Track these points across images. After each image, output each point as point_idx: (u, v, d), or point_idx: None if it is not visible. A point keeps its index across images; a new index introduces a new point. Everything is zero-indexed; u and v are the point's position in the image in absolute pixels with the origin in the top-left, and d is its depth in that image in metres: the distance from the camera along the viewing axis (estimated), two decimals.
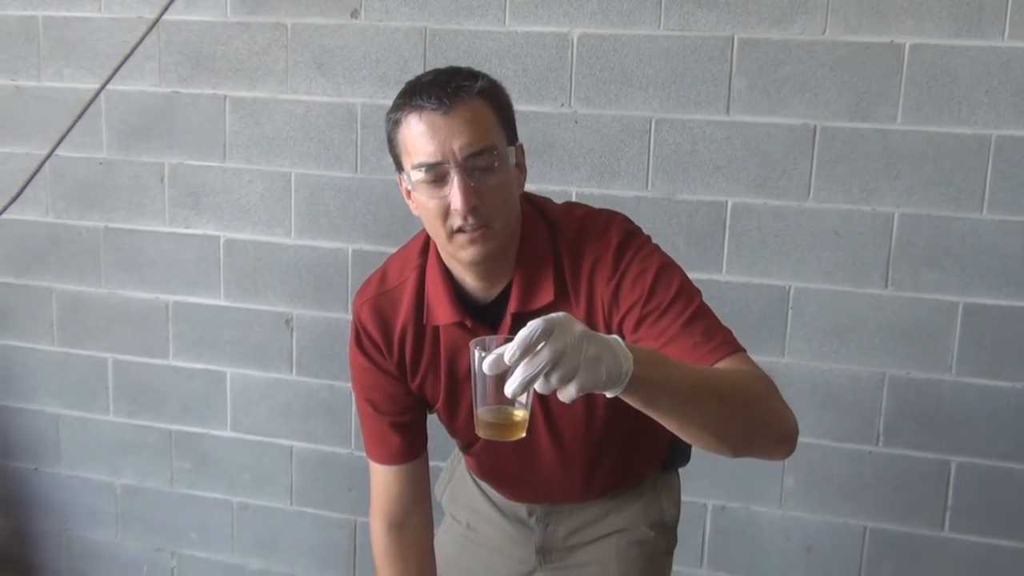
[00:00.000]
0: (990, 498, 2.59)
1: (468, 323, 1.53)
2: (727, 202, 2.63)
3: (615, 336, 1.16)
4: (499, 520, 1.83)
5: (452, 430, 1.72)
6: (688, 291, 1.46)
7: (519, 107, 2.66)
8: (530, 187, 2.72)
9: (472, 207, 1.39)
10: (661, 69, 2.61)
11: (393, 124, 1.46)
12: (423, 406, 1.68)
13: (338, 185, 2.89)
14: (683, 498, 1.96)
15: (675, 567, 2.74)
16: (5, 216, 3.13)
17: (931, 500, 2.63)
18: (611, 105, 2.66)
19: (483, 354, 1.15)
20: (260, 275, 3.03)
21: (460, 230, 1.41)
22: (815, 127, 2.54)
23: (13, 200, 3.07)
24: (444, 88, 1.39)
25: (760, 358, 2.61)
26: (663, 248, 2.59)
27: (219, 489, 3.23)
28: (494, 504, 1.84)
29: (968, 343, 2.54)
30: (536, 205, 1.59)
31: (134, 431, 3.27)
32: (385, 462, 1.71)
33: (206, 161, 3.02)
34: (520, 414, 1.23)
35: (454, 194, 1.38)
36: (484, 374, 1.14)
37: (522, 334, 1.07)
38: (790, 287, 2.63)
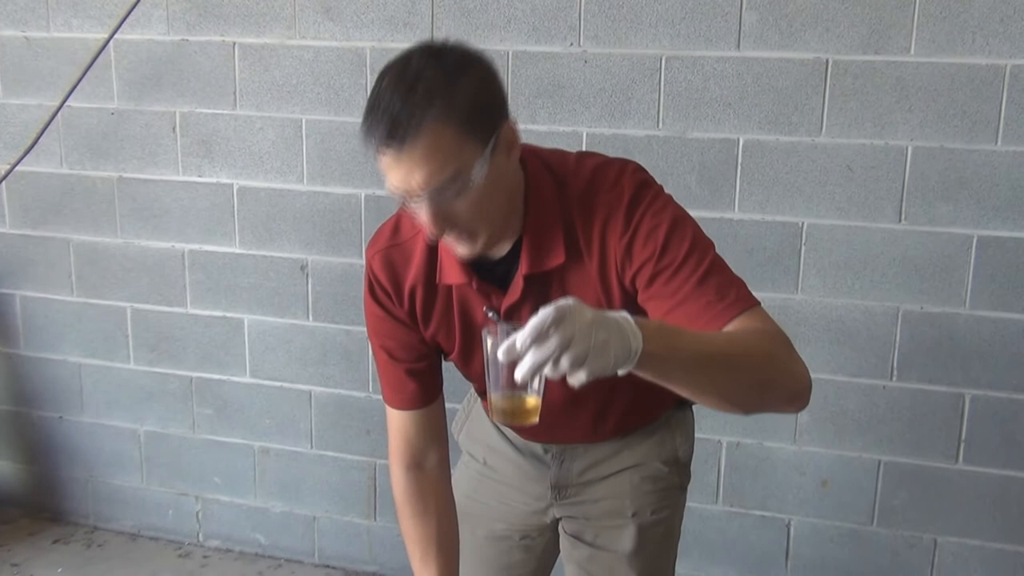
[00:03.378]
0: (1004, 430, 2.60)
1: (474, 284, 1.53)
2: (739, 139, 2.61)
3: (624, 314, 1.17)
4: (515, 457, 1.85)
5: (467, 376, 1.73)
6: (701, 245, 1.44)
7: (528, 48, 2.67)
8: (540, 129, 2.73)
9: (443, 231, 1.38)
10: (671, 5, 2.58)
11: (365, 144, 1.40)
12: (438, 353, 1.69)
13: (349, 131, 2.89)
14: (698, 435, 1.97)
15: (691, 503, 2.77)
16: (20, 168, 3.15)
17: (945, 433, 2.65)
18: (621, 43, 2.63)
19: (495, 340, 1.17)
20: (274, 222, 3.05)
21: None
22: (827, 61, 2.51)
23: (27, 151, 3.09)
24: (395, 122, 1.29)
25: (774, 295, 2.64)
26: (676, 187, 2.58)
27: (240, 434, 3.27)
28: (510, 441, 1.86)
29: (982, 276, 2.53)
30: (544, 160, 1.53)
31: (155, 379, 3.32)
32: (401, 407, 1.72)
33: (217, 109, 3.02)
34: (533, 400, 1.25)
35: (424, 220, 1.37)
36: (497, 360, 1.15)
37: (533, 322, 1.09)
38: (803, 223, 2.62)
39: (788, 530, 2.82)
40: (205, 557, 3.35)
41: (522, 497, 1.84)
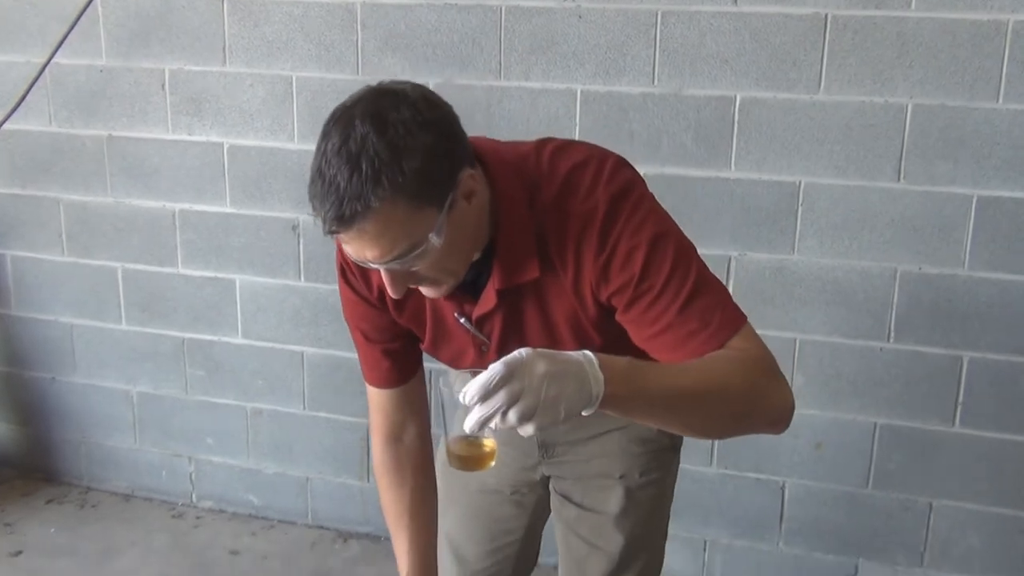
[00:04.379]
0: (1002, 393, 2.58)
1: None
2: (736, 96, 2.56)
3: (588, 355, 1.16)
4: None
5: (438, 361, 1.70)
6: (683, 263, 1.37)
7: (522, 3, 2.62)
8: (533, 86, 2.69)
9: (405, 288, 1.36)
10: None
11: None
12: (413, 335, 1.67)
13: (340, 88, 2.84)
14: None
15: (685, 465, 2.75)
16: (8, 126, 3.11)
17: (942, 396, 2.62)
18: None
19: (448, 391, 1.20)
20: (265, 181, 3.01)
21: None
22: (826, 16, 2.46)
23: (15, 108, 3.04)
24: (341, 203, 1.21)
25: (770, 255, 2.61)
26: (672, 145, 2.54)
27: (233, 395, 3.26)
28: None
29: (982, 236, 2.49)
30: (513, 167, 1.44)
31: (147, 339, 3.29)
32: (379, 385, 1.72)
33: (206, 66, 2.97)
34: (489, 444, 1.28)
35: (386, 283, 1.34)
36: (451, 406, 1.19)
37: (481, 378, 1.11)
38: (800, 183, 2.58)
39: (782, 492, 2.80)
40: (198, 518, 3.35)
41: (512, 453, 1.82)
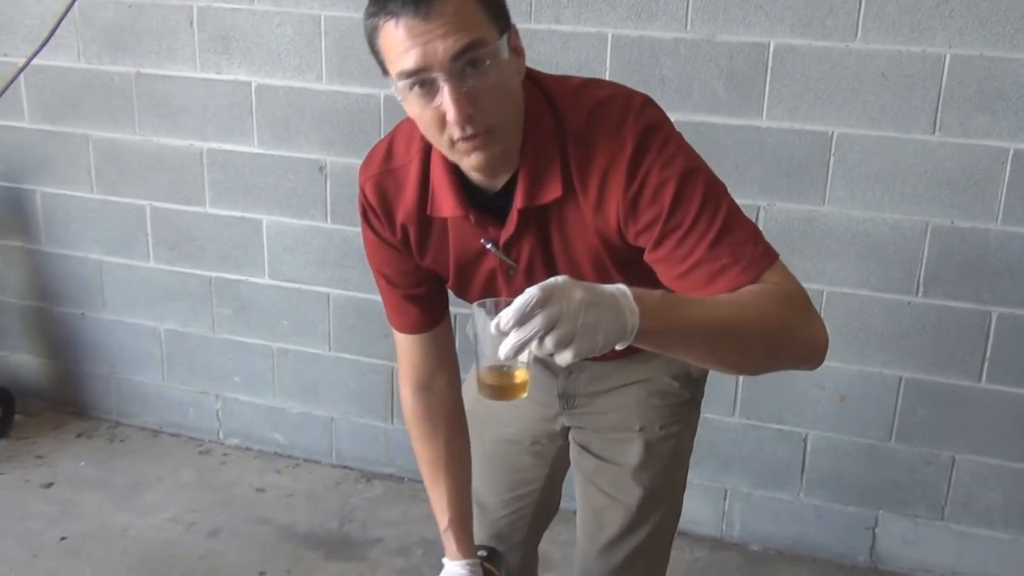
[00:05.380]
0: None
1: (472, 217, 1.47)
2: (769, 43, 2.52)
3: (622, 287, 1.13)
4: None
5: (465, 301, 1.69)
6: (714, 199, 1.35)
7: None
8: (564, 29, 2.65)
9: (468, 115, 1.28)
10: None
11: (371, 30, 1.32)
12: (437, 278, 1.65)
13: None
14: None
15: (708, 415, 2.76)
16: (37, 62, 3.10)
17: (969, 351, 2.60)
18: None
19: (484, 316, 1.16)
20: (292, 121, 3.00)
21: (460, 139, 1.31)
22: None
23: (43, 44, 3.02)
24: None
25: (800, 206, 2.58)
26: (703, 92, 2.50)
27: (259, 335, 3.28)
28: None
29: (1017, 191, 2.45)
30: (541, 87, 1.44)
31: (175, 277, 3.32)
32: (405, 331, 1.70)
33: (234, 3, 2.95)
34: (521, 374, 1.23)
35: (447, 103, 1.27)
36: (486, 334, 1.14)
37: (518, 301, 1.07)
38: (833, 133, 2.54)
39: (805, 444, 2.80)
40: (225, 455, 3.40)
41: (531, 404, 1.82)
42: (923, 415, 2.68)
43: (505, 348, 1.09)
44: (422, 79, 1.27)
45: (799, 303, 1.32)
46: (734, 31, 2.53)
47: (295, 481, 3.25)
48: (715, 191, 1.37)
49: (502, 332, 1.09)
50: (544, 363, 1.79)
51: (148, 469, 3.29)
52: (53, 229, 3.41)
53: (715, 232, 1.33)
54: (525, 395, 1.25)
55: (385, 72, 1.34)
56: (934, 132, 2.47)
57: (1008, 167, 2.44)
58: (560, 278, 1.10)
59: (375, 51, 1.34)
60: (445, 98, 1.27)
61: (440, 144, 1.36)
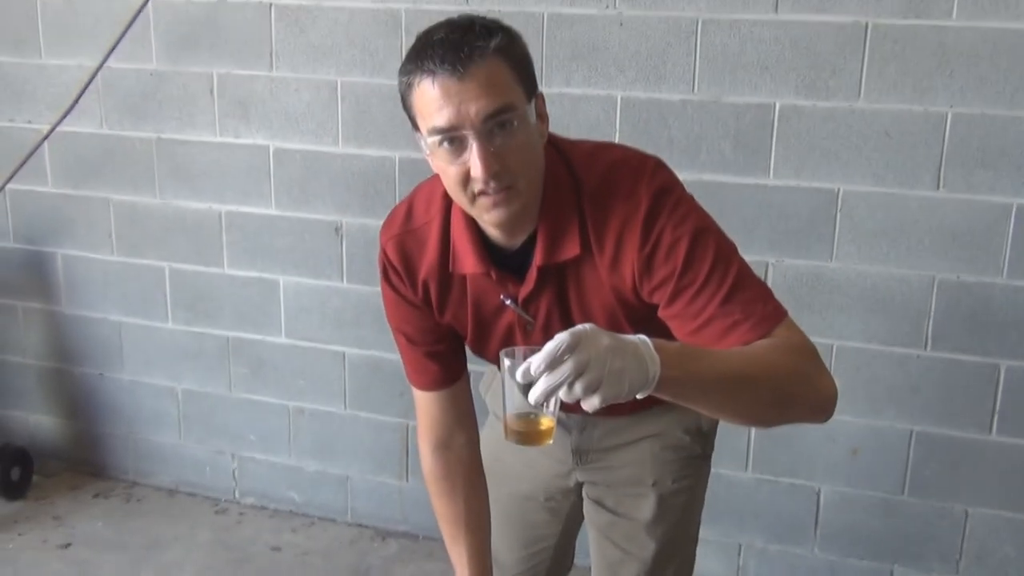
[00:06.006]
0: None
1: (493, 274, 1.52)
2: (775, 104, 2.58)
3: (643, 338, 1.17)
4: None
5: (484, 359, 1.73)
6: (725, 257, 1.41)
7: (563, 10, 2.65)
8: (574, 92, 2.72)
9: (494, 172, 1.34)
10: None
11: (406, 86, 1.38)
12: (456, 335, 1.70)
13: (384, 93, 2.89)
14: None
15: (720, 470, 2.77)
16: (61, 128, 3.19)
17: (979, 404, 2.62)
18: (657, 6, 2.61)
19: (512, 362, 1.18)
20: (309, 184, 3.07)
21: (482, 193, 1.37)
22: (867, 24, 2.47)
23: (68, 112, 3.12)
24: (457, 50, 1.30)
25: (808, 262, 2.63)
26: (711, 152, 2.56)
27: (275, 394, 3.32)
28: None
29: (1021, 245, 2.49)
30: (560, 150, 1.51)
31: (193, 338, 3.36)
32: (425, 388, 1.73)
33: (253, 71, 3.03)
34: (547, 422, 1.25)
35: (473, 160, 1.33)
36: (512, 381, 1.17)
37: (548, 346, 1.10)
38: (839, 190, 2.59)
39: (818, 498, 2.81)
40: (241, 514, 3.41)
41: (546, 460, 1.85)
42: (935, 468, 2.69)
43: (536, 393, 1.12)
44: (452, 136, 1.33)
45: (809, 356, 1.36)
46: (740, 93, 2.60)
47: (310, 540, 3.26)
48: (726, 250, 1.42)
49: (532, 377, 1.11)
50: (558, 420, 1.82)
51: (165, 529, 3.31)
52: (73, 291, 3.47)
53: (727, 289, 1.38)
54: (551, 441, 1.28)
55: (415, 127, 1.40)
56: (938, 188, 2.52)
57: (1012, 222, 2.48)
58: (587, 325, 1.14)
59: (407, 106, 1.40)
60: (473, 155, 1.33)
61: (462, 199, 1.41)
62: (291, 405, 3.31)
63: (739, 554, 2.92)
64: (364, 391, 3.20)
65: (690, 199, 1.46)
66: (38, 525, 3.31)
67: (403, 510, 3.26)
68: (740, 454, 2.83)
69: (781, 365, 1.31)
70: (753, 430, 2.78)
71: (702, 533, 1.94)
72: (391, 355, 3.09)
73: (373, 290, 3.05)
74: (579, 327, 1.13)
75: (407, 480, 3.22)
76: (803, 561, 2.87)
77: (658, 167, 1.47)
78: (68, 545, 3.21)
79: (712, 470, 1.91)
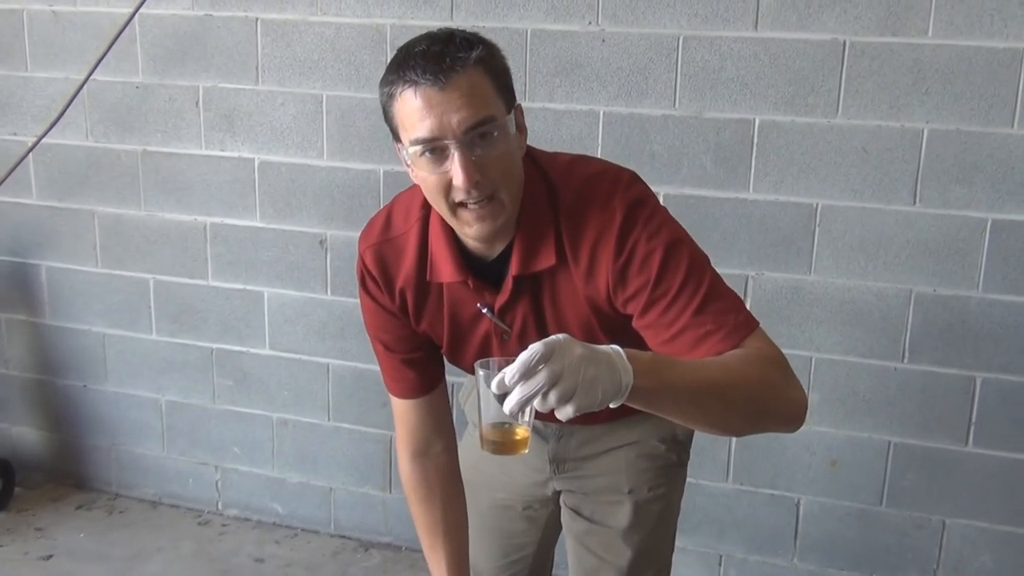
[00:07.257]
0: (1015, 413, 2.61)
1: (470, 282, 1.54)
2: (755, 120, 2.62)
3: (616, 348, 1.19)
4: None
5: (459, 367, 1.75)
6: (698, 269, 1.43)
7: (546, 26, 2.69)
8: (557, 107, 2.75)
9: (475, 182, 1.36)
10: None
11: (387, 97, 1.40)
12: (433, 344, 1.71)
13: (369, 107, 2.92)
14: None
15: (700, 480, 2.81)
16: (47, 141, 3.20)
17: (955, 415, 2.65)
18: (638, 23, 2.64)
19: (487, 373, 1.20)
20: (294, 196, 3.09)
21: (463, 204, 1.40)
22: (844, 42, 2.51)
23: (53, 124, 3.14)
24: (439, 61, 1.32)
25: (787, 275, 2.66)
26: (692, 167, 2.59)
27: (259, 405, 3.33)
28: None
29: (996, 260, 2.53)
30: (538, 162, 1.53)
31: (177, 349, 3.37)
32: (402, 396, 1.76)
33: (239, 84, 3.05)
34: (522, 432, 1.26)
35: (455, 170, 1.35)
36: (488, 392, 1.19)
37: (522, 357, 1.12)
38: (817, 204, 2.63)
39: (797, 509, 2.84)
40: (224, 525, 3.42)
41: (523, 468, 1.87)
42: (912, 479, 2.73)
43: (510, 403, 1.13)
44: (434, 146, 1.36)
45: (780, 366, 1.39)
46: (720, 108, 2.63)
47: (294, 551, 3.27)
48: (699, 262, 1.45)
49: (507, 387, 1.13)
50: (535, 429, 1.84)
51: (147, 541, 3.30)
52: (57, 303, 3.47)
53: (699, 300, 1.41)
54: (526, 451, 1.30)
55: (396, 138, 1.43)
56: (915, 203, 2.56)
57: (987, 236, 2.53)
58: (561, 335, 1.16)
59: (388, 117, 1.42)
60: (454, 165, 1.36)
61: (443, 209, 1.44)
62: (275, 416, 3.32)
63: (719, 564, 2.94)
64: (348, 403, 3.21)
65: (664, 211, 1.49)
66: (20, 537, 3.31)
67: (386, 521, 3.27)
68: (721, 465, 2.85)
69: (752, 375, 1.34)
70: (733, 441, 2.81)
71: (682, 543, 1.96)
72: (375, 367, 3.08)
73: (357, 302, 3.03)
74: (553, 337, 1.15)
75: (390, 492, 3.24)
76: (783, 571, 2.89)
77: (633, 180, 1.50)
78: (50, 557, 3.20)
79: (693, 480, 1.93)
